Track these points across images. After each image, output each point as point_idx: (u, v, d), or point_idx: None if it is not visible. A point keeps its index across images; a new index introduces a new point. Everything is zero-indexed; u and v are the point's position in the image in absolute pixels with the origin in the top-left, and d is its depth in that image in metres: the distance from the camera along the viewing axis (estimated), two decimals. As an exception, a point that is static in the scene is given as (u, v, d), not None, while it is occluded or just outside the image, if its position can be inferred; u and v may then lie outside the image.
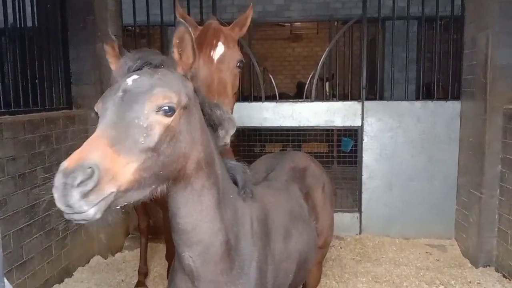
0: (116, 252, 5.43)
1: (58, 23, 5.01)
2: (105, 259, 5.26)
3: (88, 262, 5.14)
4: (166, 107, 1.46)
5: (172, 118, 1.48)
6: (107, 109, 1.44)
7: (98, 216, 1.28)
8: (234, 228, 1.83)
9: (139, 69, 1.58)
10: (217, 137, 1.80)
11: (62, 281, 4.58)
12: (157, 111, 1.45)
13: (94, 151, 1.29)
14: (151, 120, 1.43)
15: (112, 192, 1.29)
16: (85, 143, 1.35)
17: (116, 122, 1.39)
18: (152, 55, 1.63)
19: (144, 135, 1.40)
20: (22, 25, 4.43)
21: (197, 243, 1.72)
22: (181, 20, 1.58)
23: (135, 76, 1.52)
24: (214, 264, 1.76)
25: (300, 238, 2.29)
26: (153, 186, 1.48)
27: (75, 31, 5.11)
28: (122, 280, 4.65)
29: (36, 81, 4.52)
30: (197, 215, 1.69)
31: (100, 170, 1.25)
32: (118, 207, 1.40)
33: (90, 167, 1.24)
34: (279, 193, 2.38)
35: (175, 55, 1.61)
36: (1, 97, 4.01)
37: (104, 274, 4.85)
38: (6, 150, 3.77)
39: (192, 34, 1.59)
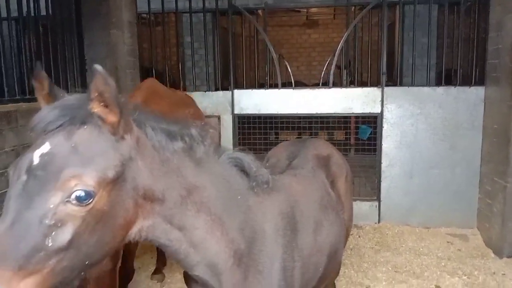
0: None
1: (72, 10, 4.96)
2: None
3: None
4: (81, 193, 1.17)
5: (92, 204, 1.19)
6: (9, 200, 1.18)
7: None
8: (246, 232, 1.67)
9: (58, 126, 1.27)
10: (199, 155, 1.54)
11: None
12: (66, 201, 1.16)
13: None
14: (59, 215, 1.15)
15: None
16: None
17: (14, 223, 1.13)
18: (75, 109, 1.28)
19: (52, 234, 1.14)
20: (37, 13, 4.40)
21: (196, 264, 1.61)
22: (98, 67, 1.19)
23: (44, 148, 1.22)
24: (225, 279, 1.64)
25: (331, 229, 2.17)
26: (82, 274, 1.26)
27: (89, 18, 5.07)
28: (139, 268, 4.64)
29: (51, 68, 4.50)
30: (185, 245, 1.54)
31: None
32: None
33: None
34: (306, 181, 2.25)
35: (98, 110, 1.24)
36: (16, 84, 4.00)
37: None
38: (21, 138, 3.75)
39: (112, 83, 1.22)
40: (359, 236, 5.50)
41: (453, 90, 5.60)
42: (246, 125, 6.29)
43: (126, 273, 3.57)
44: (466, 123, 5.57)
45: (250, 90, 6.15)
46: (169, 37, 8.54)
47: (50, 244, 1.14)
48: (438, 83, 6.22)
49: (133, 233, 1.40)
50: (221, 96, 6.09)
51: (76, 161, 1.21)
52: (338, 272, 3.25)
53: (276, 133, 7.72)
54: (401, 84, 6.27)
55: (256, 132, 6.30)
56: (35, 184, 1.17)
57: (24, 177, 1.19)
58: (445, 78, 5.84)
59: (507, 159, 4.77)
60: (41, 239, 1.13)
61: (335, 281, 3.30)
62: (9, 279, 1.09)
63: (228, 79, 6.29)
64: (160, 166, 1.42)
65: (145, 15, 7.04)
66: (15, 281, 1.09)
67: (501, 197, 4.90)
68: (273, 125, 6.41)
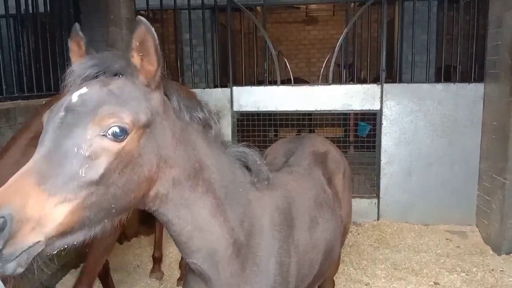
0: (132, 237, 5.43)
1: (71, 7, 4.95)
2: (121, 244, 5.27)
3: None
4: (116, 130, 1.22)
5: (125, 142, 1.24)
6: (46, 133, 1.24)
7: (20, 270, 1.11)
8: (245, 224, 1.70)
9: (94, 78, 1.35)
10: (210, 137, 1.62)
11: (78, 266, 4.59)
12: (103, 134, 1.21)
13: (13, 194, 1.09)
14: (95, 148, 1.20)
15: (38, 242, 1.12)
16: (9, 180, 1.14)
17: (52, 151, 1.19)
18: (111, 60, 1.38)
19: (86, 166, 1.18)
20: (35, 11, 4.38)
21: (197, 250, 1.61)
22: (142, 18, 1.26)
23: (82, 90, 1.28)
24: (222, 268, 1.66)
25: (326, 226, 2.18)
26: (106, 221, 1.30)
27: (87, 15, 5.06)
28: (138, 266, 4.65)
29: (49, 65, 4.48)
30: (190, 226, 1.55)
31: (16, 219, 1.07)
32: (55, 252, 1.22)
33: (2, 217, 1.05)
34: (302, 178, 2.26)
35: (136, 60, 1.32)
36: (15, 82, 3.99)
37: (120, 259, 4.86)
38: (21, 136, 3.75)
39: (154, 33, 1.30)
40: (358, 234, 5.50)
41: (452, 87, 5.60)
42: (245, 122, 6.28)
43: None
44: (465, 120, 5.57)
45: (249, 87, 6.14)
46: (168, 34, 8.52)
47: (83, 175, 1.18)
48: (438, 80, 6.22)
49: (151, 196, 1.42)
50: (220, 93, 6.08)
51: (113, 100, 1.27)
52: (337, 269, 3.25)
53: (276, 130, 7.71)
54: (400, 81, 6.26)
55: (255, 129, 6.30)
56: (74, 118, 1.22)
57: (62, 113, 1.24)
58: (445, 74, 5.84)
59: (506, 156, 4.77)
60: (76, 168, 1.18)
61: (334, 278, 3.31)
62: (44, 202, 1.13)
63: (227, 76, 6.28)
64: (180, 132, 1.47)
65: (143, 12, 7.03)
66: (49, 204, 1.14)
67: (500, 194, 4.90)
68: (272, 122, 6.40)
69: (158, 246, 4.56)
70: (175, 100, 1.49)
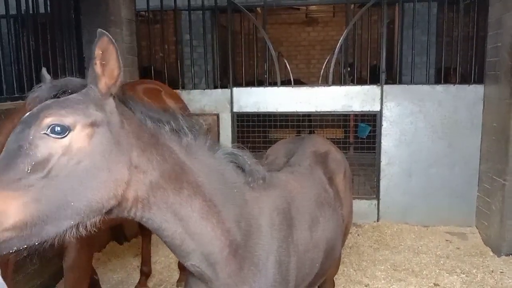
0: (131, 238, 5.43)
1: (71, 8, 4.95)
2: (121, 245, 5.27)
3: (104, 247, 5.15)
4: (56, 128, 1.30)
5: (67, 139, 1.31)
6: (5, 148, 1.34)
7: None
8: (242, 225, 1.70)
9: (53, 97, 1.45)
10: (190, 143, 1.62)
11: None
12: (44, 133, 1.29)
13: None
14: (37, 145, 1.28)
15: None
16: None
17: (3, 156, 1.29)
18: (67, 82, 1.49)
19: (33, 163, 1.26)
20: (35, 11, 4.38)
21: (192, 252, 1.62)
22: (103, 31, 1.37)
23: (36, 108, 1.39)
24: (220, 268, 1.67)
25: (327, 225, 2.18)
26: (71, 221, 1.32)
27: (88, 16, 5.06)
28: (138, 266, 4.64)
29: (50, 66, 4.48)
30: (181, 228, 1.56)
31: None
32: (12, 251, 1.26)
33: None
34: (303, 178, 2.26)
35: (98, 67, 1.40)
36: (15, 82, 3.99)
37: (120, 260, 4.86)
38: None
39: (116, 46, 1.41)
40: (358, 235, 5.50)
41: (452, 88, 5.60)
42: (245, 123, 6.28)
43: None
44: (465, 121, 5.57)
45: (249, 88, 6.14)
46: (168, 35, 8.52)
47: (29, 171, 1.25)
48: (437, 81, 6.22)
49: (130, 200, 1.45)
50: (220, 94, 6.08)
51: (55, 105, 1.36)
52: (338, 269, 3.25)
53: (275, 131, 7.71)
54: (400, 82, 6.26)
55: (255, 130, 6.30)
56: (22, 128, 1.32)
57: (17, 128, 1.34)
58: (444, 76, 5.84)
59: (506, 157, 4.78)
60: (22, 165, 1.25)
61: (334, 279, 3.30)
62: None
63: (227, 77, 6.28)
64: (150, 137, 1.51)
65: (143, 13, 7.03)
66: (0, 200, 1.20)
67: (499, 195, 4.90)
68: (272, 123, 6.40)
69: (145, 261, 4.34)
70: (138, 110, 1.54)
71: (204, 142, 1.68)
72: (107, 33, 1.36)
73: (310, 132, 7.29)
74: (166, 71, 6.34)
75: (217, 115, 6.08)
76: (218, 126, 6.09)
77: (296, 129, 8.22)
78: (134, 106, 1.54)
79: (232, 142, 6.07)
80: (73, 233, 1.36)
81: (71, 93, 1.45)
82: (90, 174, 1.33)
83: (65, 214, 1.30)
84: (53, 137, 1.30)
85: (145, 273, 4.33)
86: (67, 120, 1.32)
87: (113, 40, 1.38)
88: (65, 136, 1.31)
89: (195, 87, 6.36)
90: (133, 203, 1.46)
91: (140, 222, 1.54)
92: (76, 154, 1.32)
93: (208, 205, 1.60)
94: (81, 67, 5.06)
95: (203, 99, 6.04)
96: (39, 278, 4.14)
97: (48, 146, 1.29)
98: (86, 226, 1.38)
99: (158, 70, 6.71)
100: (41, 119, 1.31)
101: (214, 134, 6.10)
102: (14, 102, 3.82)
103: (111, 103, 1.44)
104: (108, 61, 1.39)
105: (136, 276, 4.43)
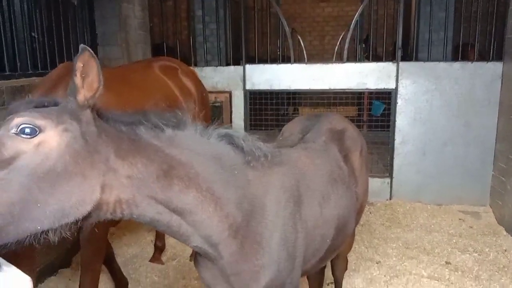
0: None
1: (83, -17, 4.92)
2: (135, 220, 5.35)
3: (119, 222, 5.23)
4: (26, 129, 1.30)
5: (37, 139, 1.31)
6: None
7: None
8: (245, 206, 1.70)
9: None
10: (167, 140, 1.59)
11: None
12: (14, 133, 1.30)
13: None
14: (3, 142, 1.29)
15: None
16: None
17: None
18: (44, 97, 1.53)
19: (1, 160, 1.27)
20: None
21: (191, 236, 1.65)
22: (86, 46, 1.42)
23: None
24: (222, 248, 1.69)
25: (339, 202, 2.18)
26: (36, 224, 1.30)
27: (100, -9, 5.03)
28: (152, 241, 4.73)
29: (62, 42, 4.49)
30: (175, 216, 1.58)
31: None
32: None
33: None
34: (316, 155, 2.24)
35: (78, 79, 1.42)
36: (29, 59, 4.00)
37: (134, 234, 4.95)
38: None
39: (98, 61, 1.43)
40: (370, 213, 5.51)
41: (469, 66, 5.47)
42: (257, 101, 6.25)
43: None
44: (482, 99, 5.47)
45: (262, 65, 6.08)
46: (180, 11, 8.43)
47: None
48: (455, 58, 6.09)
49: (111, 202, 1.45)
50: (233, 71, 6.04)
51: (31, 111, 1.38)
52: (351, 246, 3.27)
53: (287, 109, 7.68)
54: (416, 59, 6.14)
55: (268, 108, 6.27)
56: None
57: None
58: (462, 53, 5.71)
59: (523, 137, 4.69)
60: None
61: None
62: None
63: (239, 53, 6.22)
64: (130, 143, 1.51)
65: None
66: None
67: (515, 174, 4.84)
68: (285, 100, 6.36)
69: (159, 235, 4.41)
70: (110, 118, 1.55)
71: (194, 131, 1.66)
72: (89, 48, 1.40)
73: (324, 110, 7.22)
74: (178, 48, 6.31)
75: (230, 93, 6.05)
76: (231, 104, 6.07)
77: (309, 107, 8.16)
78: (106, 115, 1.55)
79: (245, 120, 6.06)
80: (41, 238, 1.35)
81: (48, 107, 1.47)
82: (62, 178, 1.33)
83: (29, 216, 1.29)
84: (22, 137, 1.30)
85: (159, 248, 4.42)
86: (38, 122, 1.33)
87: (94, 55, 1.41)
88: (35, 136, 1.31)
89: (207, 64, 6.33)
90: (116, 205, 1.47)
91: (131, 219, 1.55)
92: (45, 155, 1.32)
93: (203, 195, 1.60)
94: (93, 43, 5.06)
95: (215, 77, 6.01)
96: (56, 251, 4.23)
97: (15, 145, 1.30)
98: (57, 232, 1.37)
99: (170, 47, 6.68)
100: (11, 119, 1.32)
101: (227, 112, 6.09)
102: (28, 78, 3.85)
103: (87, 114, 1.45)
104: (88, 74, 1.41)
105: (150, 250, 4.52)
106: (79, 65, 1.40)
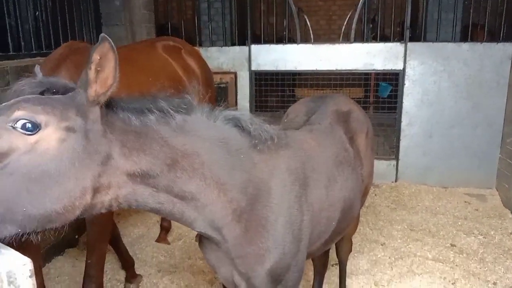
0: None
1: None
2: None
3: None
4: (27, 124, 1.21)
5: (36, 136, 1.23)
6: None
7: None
8: (250, 190, 1.68)
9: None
10: (176, 128, 1.53)
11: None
12: (11, 126, 1.21)
13: None
14: (2, 137, 1.20)
15: None
16: None
17: None
18: (55, 81, 1.41)
19: None
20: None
21: (194, 220, 1.64)
22: (107, 36, 1.29)
23: (16, 99, 1.30)
24: (225, 232, 1.69)
25: (345, 184, 2.17)
26: (17, 228, 1.23)
27: (103, -30, 4.96)
28: (158, 221, 4.76)
29: (67, 22, 4.45)
30: (179, 204, 1.57)
31: None
32: None
33: None
34: (322, 137, 2.22)
35: (91, 73, 1.31)
36: (33, 39, 3.97)
37: (140, 215, 4.98)
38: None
39: (117, 55, 1.31)
40: (375, 195, 5.50)
41: (479, 47, 5.38)
42: (263, 82, 6.19)
43: None
44: (491, 81, 5.38)
45: (268, 45, 6.00)
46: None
47: None
48: (464, 39, 5.98)
49: (105, 202, 1.41)
50: (238, 51, 5.97)
51: (33, 101, 1.28)
52: (356, 228, 3.27)
53: (293, 90, 7.62)
54: (425, 40, 6.04)
55: (274, 89, 6.22)
56: None
57: None
58: (471, 33, 5.60)
59: (532, 119, 4.63)
60: None
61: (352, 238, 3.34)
62: None
63: (245, 33, 6.15)
64: (136, 138, 1.44)
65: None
66: None
67: (523, 157, 4.80)
68: (291, 82, 6.31)
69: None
70: (119, 107, 1.45)
71: (200, 114, 1.61)
72: (109, 39, 1.29)
73: (331, 91, 7.16)
74: (183, 27, 6.23)
75: (235, 74, 6.00)
76: (236, 85, 6.03)
77: (315, 88, 8.09)
78: (117, 106, 1.45)
79: (250, 101, 6.02)
80: (21, 239, 1.27)
81: (57, 93, 1.37)
82: (54, 182, 1.25)
83: (12, 219, 1.22)
84: (20, 132, 1.22)
85: (165, 228, 4.46)
86: (40, 118, 1.24)
87: (115, 48, 1.29)
88: (33, 133, 1.23)
89: (212, 44, 6.26)
90: (112, 201, 1.44)
91: (130, 208, 1.52)
92: (40, 155, 1.24)
93: (207, 183, 1.58)
94: (97, 23, 5.01)
95: (220, 57, 5.95)
96: (62, 231, 4.26)
97: (11, 140, 1.21)
98: (39, 234, 1.30)
99: (174, 27, 6.61)
100: (12, 111, 1.23)
101: (232, 93, 6.06)
102: (33, 58, 3.83)
103: (96, 112, 1.36)
104: (103, 68, 1.31)
105: (156, 231, 4.56)
106: (95, 57, 1.29)
